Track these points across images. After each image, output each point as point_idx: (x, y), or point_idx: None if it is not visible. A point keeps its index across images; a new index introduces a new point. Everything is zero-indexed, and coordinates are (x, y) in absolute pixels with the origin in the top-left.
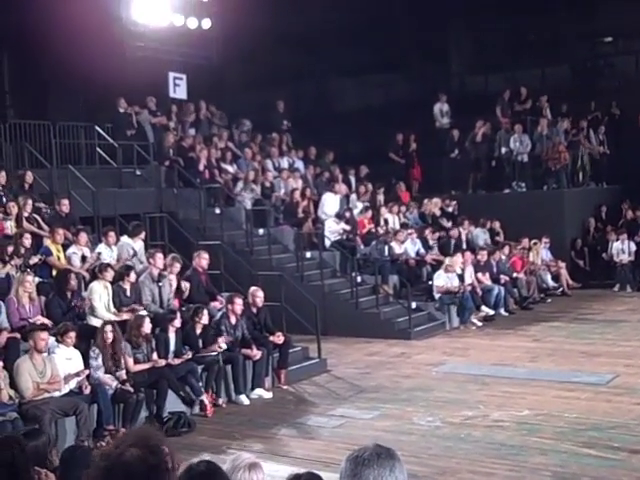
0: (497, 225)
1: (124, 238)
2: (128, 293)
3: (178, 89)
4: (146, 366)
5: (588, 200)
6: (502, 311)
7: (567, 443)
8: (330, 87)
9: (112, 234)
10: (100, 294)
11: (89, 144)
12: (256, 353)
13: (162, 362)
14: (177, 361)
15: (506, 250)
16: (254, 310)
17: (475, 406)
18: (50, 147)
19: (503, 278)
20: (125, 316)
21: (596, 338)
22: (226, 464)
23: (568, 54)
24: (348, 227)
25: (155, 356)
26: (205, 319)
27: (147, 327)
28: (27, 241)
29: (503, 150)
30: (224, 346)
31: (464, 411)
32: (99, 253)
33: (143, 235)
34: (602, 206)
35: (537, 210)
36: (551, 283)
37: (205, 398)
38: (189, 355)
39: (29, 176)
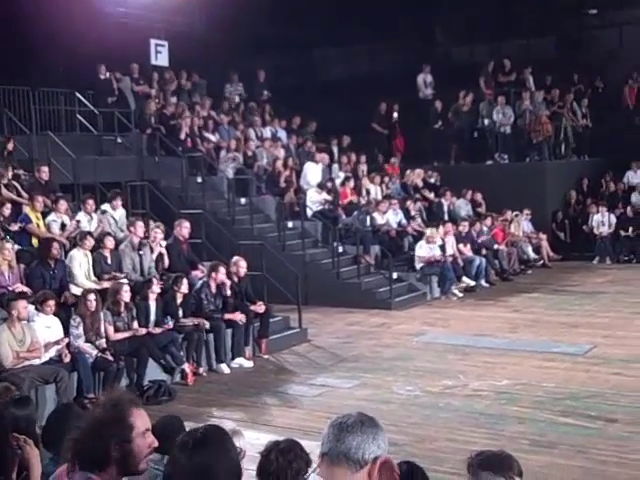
0: (479, 196)
1: (104, 206)
2: (109, 261)
3: (160, 56)
4: (126, 334)
5: (570, 172)
6: (483, 282)
7: (545, 412)
8: (314, 57)
9: (91, 202)
10: (80, 262)
11: (69, 111)
12: (240, 316)
13: (143, 331)
14: (158, 330)
15: (488, 221)
16: (236, 279)
17: (455, 376)
18: (30, 113)
19: (484, 247)
20: (106, 284)
21: (575, 309)
22: None
23: (554, 26)
24: (330, 197)
25: (136, 324)
26: (185, 288)
27: (125, 294)
28: (7, 211)
29: (486, 122)
30: (207, 326)
31: (444, 380)
32: (78, 221)
33: (121, 201)
34: (583, 179)
35: (519, 182)
36: (532, 255)
37: (186, 367)
38: (170, 325)
39: (10, 143)
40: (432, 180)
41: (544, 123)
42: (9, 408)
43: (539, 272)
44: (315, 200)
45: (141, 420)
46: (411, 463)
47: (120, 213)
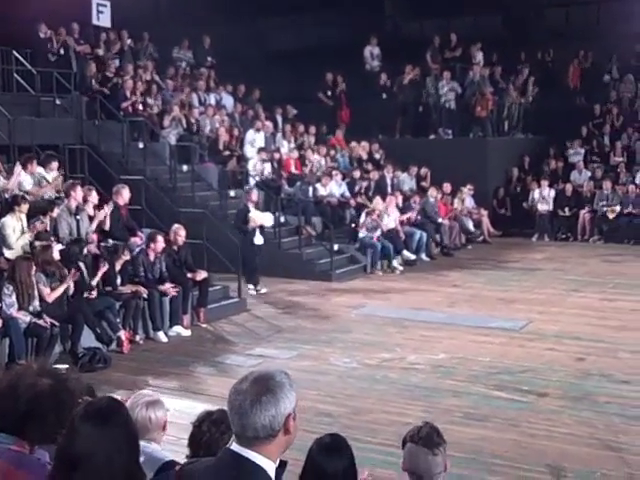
0: (423, 171)
1: (38, 169)
2: (48, 228)
3: (102, 16)
4: (62, 289)
5: (512, 149)
6: (424, 256)
7: (479, 386)
8: (262, 25)
9: (34, 163)
10: (14, 227)
11: (6, 69)
12: (168, 288)
13: (76, 275)
14: (93, 294)
15: (433, 192)
16: (175, 248)
17: (392, 349)
18: None
19: (427, 219)
20: None
21: (513, 285)
22: (128, 401)
23: (501, 3)
24: (270, 168)
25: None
26: (126, 256)
27: (55, 253)
28: None
29: (431, 96)
30: (145, 295)
31: (381, 353)
32: (19, 173)
33: (55, 165)
34: (525, 156)
35: (462, 157)
36: (472, 229)
37: (122, 334)
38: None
39: None
40: (377, 156)
41: (488, 99)
42: None
43: (479, 247)
44: (258, 170)
45: None
46: (334, 435)
47: (54, 176)
